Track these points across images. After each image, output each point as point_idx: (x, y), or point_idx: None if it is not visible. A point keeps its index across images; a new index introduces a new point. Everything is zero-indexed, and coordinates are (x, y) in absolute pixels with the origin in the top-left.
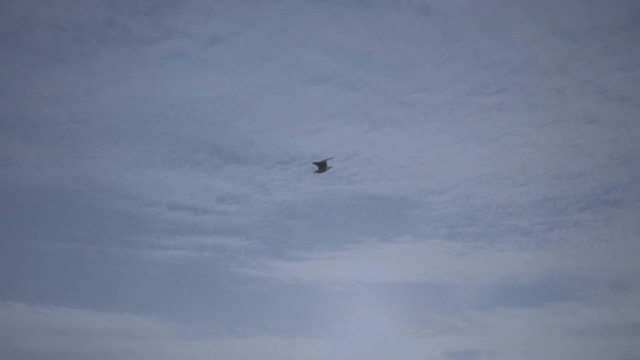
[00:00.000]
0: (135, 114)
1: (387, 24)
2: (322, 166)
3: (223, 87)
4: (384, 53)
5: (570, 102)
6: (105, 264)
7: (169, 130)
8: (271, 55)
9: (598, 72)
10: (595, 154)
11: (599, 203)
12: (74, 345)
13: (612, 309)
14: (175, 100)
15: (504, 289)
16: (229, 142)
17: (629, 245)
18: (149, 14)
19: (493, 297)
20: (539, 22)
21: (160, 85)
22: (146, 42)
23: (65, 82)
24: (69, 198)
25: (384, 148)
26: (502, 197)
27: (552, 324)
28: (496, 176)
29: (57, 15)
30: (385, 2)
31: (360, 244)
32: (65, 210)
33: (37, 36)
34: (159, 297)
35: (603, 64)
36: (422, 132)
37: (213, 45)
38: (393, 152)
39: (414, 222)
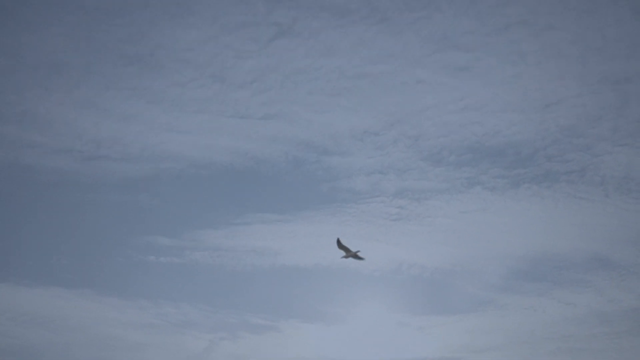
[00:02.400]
0: None
1: None
2: (347, 250)
3: None
4: None
5: None
6: None
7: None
8: None
9: None
10: (563, 77)
11: (572, 149)
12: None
13: (597, 292)
14: None
15: (468, 267)
16: (99, 54)
17: (613, 206)
18: None
19: (457, 277)
20: None
21: None
22: None
23: None
24: None
25: (295, 65)
26: (453, 140)
27: (529, 310)
28: (442, 110)
29: None
30: None
31: (294, 204)
32: None
33: None
34: (76, 269)
35: None
36: (342, 41)
37: None
38: (309, 72)
39: (349, 172)
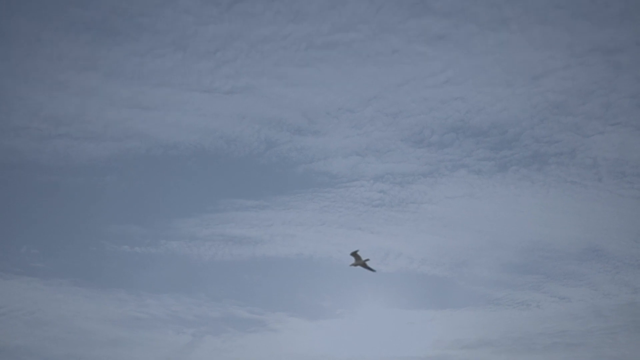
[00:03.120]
0: None
1: None
2: (358, 258)
3: None
4: None
5: None
6: None
7: None
8: None
9: None
10: (550, 47)
11: (560, 128)
12: None
13: (592, 285)
14: None
15: (457, 259)
16: (49, 20)
17: (606, 192)
18: None
19: (447, 269)
20: None
21: None
22: None
23: None
24: None
25: (261, 32)
26: (434, 118)
27: (523, 305)
28: (421, 83)
29: None
30: None
31: (268, 188)
32: None
33: None
34: (48, 259)
35: None
36: (310, 4)
37: None
38: (275, 40)
39: (324, 154)
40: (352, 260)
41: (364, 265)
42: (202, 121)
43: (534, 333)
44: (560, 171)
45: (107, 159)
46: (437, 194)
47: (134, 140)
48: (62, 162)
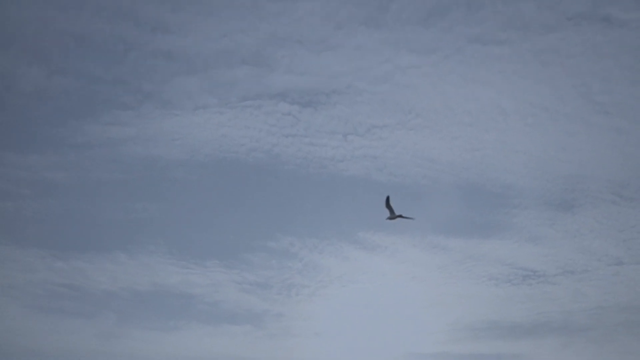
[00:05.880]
0: None
1: None
2: (392, 211)
3: None
4: None
5: None
6: None
7: None
8: None
9: None
10: None
11: (504, 24)
12: None
13: (565, 257)
14: None
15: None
16: None
17: (575, 117)
18: None
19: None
20: None
21: None
22: None
23: None
24: None
25: None
26: (337, 4)
27: (484, 281)
28: None
29: None
30: None
31: (139, 101)
32: None
33: None
34: None
35: None
36: None
37: None
38: None
39: (202, 61)
40: (388, 213)
41: (401, 217)
42: (35, 7)
43: (513, 315)
44: (518, 78)
45: None
46: (361, 120)
47: None
48: None
